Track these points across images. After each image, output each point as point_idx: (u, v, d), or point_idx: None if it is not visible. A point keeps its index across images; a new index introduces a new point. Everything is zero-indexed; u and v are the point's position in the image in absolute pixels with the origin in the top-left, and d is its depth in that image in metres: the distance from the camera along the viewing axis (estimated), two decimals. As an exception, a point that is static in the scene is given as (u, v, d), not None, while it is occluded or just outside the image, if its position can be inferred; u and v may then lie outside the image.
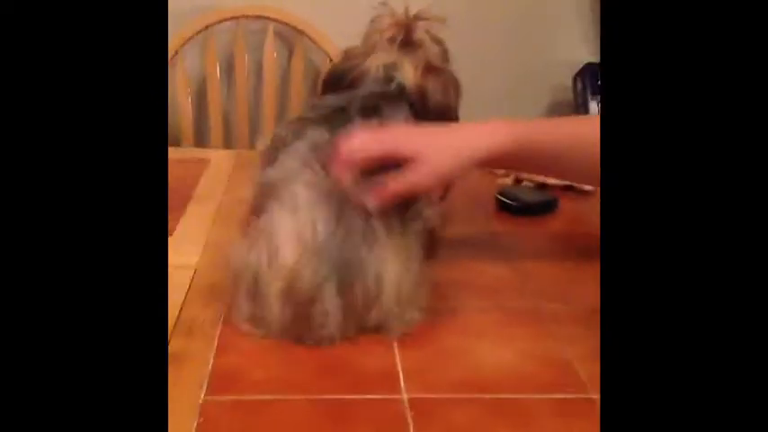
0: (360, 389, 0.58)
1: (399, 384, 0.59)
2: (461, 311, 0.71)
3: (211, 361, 0.61)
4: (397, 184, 0.63)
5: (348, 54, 0.76)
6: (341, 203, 0.61)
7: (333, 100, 0.71)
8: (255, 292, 0.62)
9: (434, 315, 0.69)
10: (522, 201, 0.96)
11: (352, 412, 0.56)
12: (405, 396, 0.58)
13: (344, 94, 0.72)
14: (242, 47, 1.54)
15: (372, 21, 0.77)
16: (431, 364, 0.62)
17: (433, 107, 0.73)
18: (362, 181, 0.62)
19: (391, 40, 0.74)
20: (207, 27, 1.51)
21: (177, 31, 1.49)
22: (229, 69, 1.60)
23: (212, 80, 1.54)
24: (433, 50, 0.76)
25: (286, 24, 1.54)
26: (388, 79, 0.73)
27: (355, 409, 0.56)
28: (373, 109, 0.69)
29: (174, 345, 0.62)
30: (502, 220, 0.95)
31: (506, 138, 0.67)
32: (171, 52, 1.47)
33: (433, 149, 0.66)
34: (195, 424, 0.53)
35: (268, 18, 1.54)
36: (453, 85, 0.76)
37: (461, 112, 0.77)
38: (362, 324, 0.63)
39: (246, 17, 1.54)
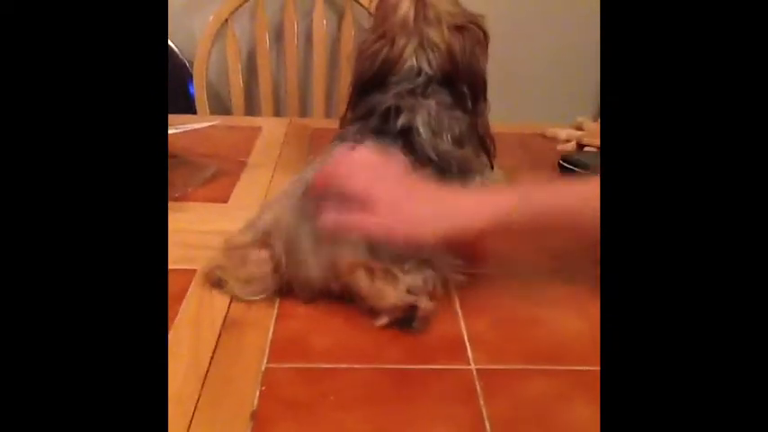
0: (425, 358, 0.56)
1: (467, 354, 0.57)
2: (526, 278, 0.68)
3: (272, 328, 0.59)
4: (360, 222, 0.58)
5: (369, 53, 0.73)
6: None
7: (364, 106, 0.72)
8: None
9: (498, 282, 0.67)
10: (585, 166, 0.92)
11: (418, 382, 0.54)
12: (473, 366, 0.55)
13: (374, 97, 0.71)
14: (291, 14, 1.52)
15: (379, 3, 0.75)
16: (499, 333, 0.60)
17: (463, 70, 0.71)
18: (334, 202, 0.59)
19: (404, 18, 0.72)
20: (256, -6, 1.48)
21: (226, -1, 1.47)
22: (279, 37, 1.58)
23: (262, 48, 1.52)
24: (449, 9, 0.73)
25: (336, -9, 1.52)
26: (416, 72, 0.71)
27: (421, 378, 0.54)
28: (396, 111, 0.69)
29: (234, 312, 0.61)
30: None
31: (515, 208, 0.59)
32: (220, 21, 1.46)
33: (411, 209, 0.59)
34: (258, 392, 0.52)
35: (317, -16, 1.51)
36: (479, 43, 0.73)
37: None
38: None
39: (296, -17, 1.51)
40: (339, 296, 0.61)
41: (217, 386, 0.52)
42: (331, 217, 0.58)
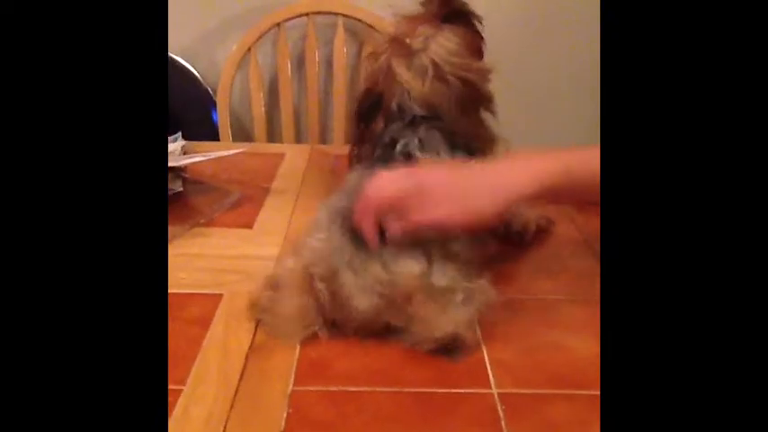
0: (448, 382, 0.57)
1: (488, 378, 0.58)
2: (548, 304, 0.69)
3: (297, 351, 0.60)
4: (418, 218, 0.61)
5: (369, 88, 0.76)
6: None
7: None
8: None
9: (520, 307, 0.67)
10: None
11: (441, 405, 0.55)
12: (495, 390, 0.56)
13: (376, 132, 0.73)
14: (313, 42, 1.55)
15: (366, 58, 0.78)
16: (521, 357, 0.60)
17: (446, 118, 0.71)
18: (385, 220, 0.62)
19: (384, 68, 0.73)
20: (278, 24, 1.52)
21: (250, 28, 1.50)
22: (300, 65, 1.61)
23: (284, 76, 1.55)
24: (440, 48, 0.72)
25: (356, 19, 1.54)
26: (401, 111, 0.72)
27: (444, 402, 0.55)
28: (393, 142, 0.70)
29: (260, 336, 0.62)
30: (584, 210, 0.91)
31: (554, 171, 0.63)
32: (244, 49, 1.49)
33: (462, 188, 0.62)
34: (285, 414, 0.53)
35: (338, 14, 1.54)
36: (465, 83, 0.72)
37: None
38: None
39: (317, 13, 1.54)
40: (385, 328, 0.61)
41: (245, 409, 0.54)
42: (395, 226, 0.61)
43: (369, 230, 0.62)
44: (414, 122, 0.71)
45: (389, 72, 0.73)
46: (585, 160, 0.64)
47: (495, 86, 0.75)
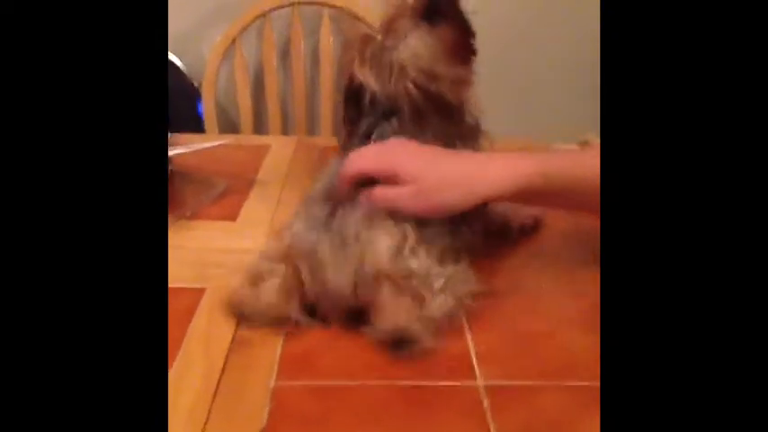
0: (433, 375, 0.57)
1: (474, 370, 0.57)
2: (536, 295, 0.69)
3: (280, 346, 0.60)
4: (380, 196, 0.62)
5: (347, 82, 0.73)
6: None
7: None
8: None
9: (506, 298, 0.67)
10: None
11: (426, 398, 0.54)
12: (481, 383, 0.56)
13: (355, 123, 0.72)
14: (298, 33, 1.54)
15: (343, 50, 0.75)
16: (507, 349, 0.60)
17: (416, 116, 0.68)
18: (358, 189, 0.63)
19: (362, 54, 0.70)
20: (264, 14, 1.50)
21: (235, 18, 1.49)
22: (285, 56, 1.60)
23: (269, 67, 1.54)
24: (408, 50, 0.68)
25: (342, 9, 1.53)
26: (373, 105, 0.70)
27: (429, 395, 0.54)
28: (368, 133, 0.69)
29: (243, 330, 0.62)
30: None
31: (535, 173, 0.62)
32: (229, 40, 1.48)
33: (434, 180, 0.62)
34: (267, 409, 0.52)
35: (324, 4, 1.53)
36: (434, 89, 0.68)
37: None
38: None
39: (303, 3, 1.53)
40: (365, 311, 0.61)
41: (226, 404, 0.53)
42: (365, 195, 0.61)
43: (342, 193, 0.63)
44: (386, 115, 0.69)
45: (359, 61, 0.70)
46: (565, 166, 0.64)
47: (487, 82, 0.73)
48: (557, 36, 1.65)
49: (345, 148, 0.75)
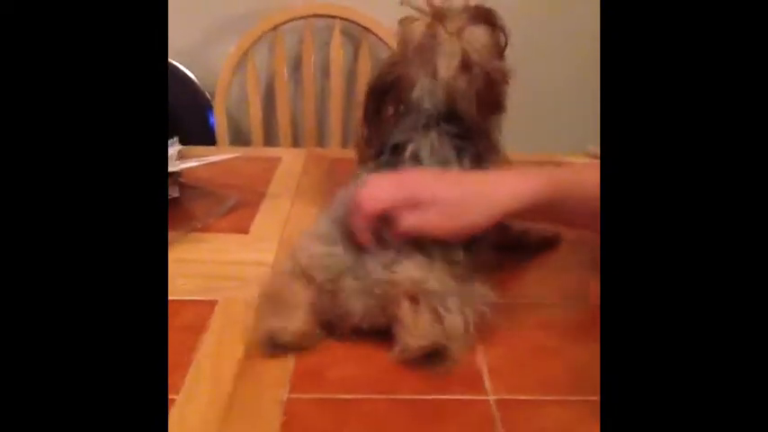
0: (443, 389, 0.57)
1: (484, 384, 0.57)
2: (545, 309, 0.69)
3: (293, 359, 0.60)
4: (408, 227, 0.61)
5: (389, 64, 0.73)
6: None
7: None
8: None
9: (515, 313, 0.67)
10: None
11: (436, 412, 0.54)
12: (491, 397, 0.56)
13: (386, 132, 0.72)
14: (309, 46, 1.55)
15: (400, 22, 0.74)
16: (516, 363, 0.60)
17: (461, 111, 0.69)
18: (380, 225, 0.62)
19: (420, 44, 0.70)
20: (275, 27, 1.51)
21: (247, 31, 1.50)
22: (296, 68, 1.61)
23: (280, 79, 1.55)
24: (472, 37, 0.70)
25: (352, 22, 1.54)
26: (420, 105, 0.70)
27: (439, 409, 0.55)
28: (403, 146, 0.69)
29: (255, 344, 0.62)
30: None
31: (546, 187, 0.63)
32: (241, 53, 1.49)
33: (453, 202, 0.62)
34: (280, 422, 0.53)
35: (335, 17, 1.54)
36: (487, 81, 0.70)
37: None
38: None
39: (314, 16, 1.54)
40: (380, 330, 0.61)
41: (239, 417, 0.53)
42: (392, 234, 0.61)
43: (363, 235, 0.61)
44: (427, 126, 0.69)
45: (421, 46, 0.70)
46: (578, 182, 0.65)
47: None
48: (560, 47, 1.66)
49: (367, 160, 0.74)
